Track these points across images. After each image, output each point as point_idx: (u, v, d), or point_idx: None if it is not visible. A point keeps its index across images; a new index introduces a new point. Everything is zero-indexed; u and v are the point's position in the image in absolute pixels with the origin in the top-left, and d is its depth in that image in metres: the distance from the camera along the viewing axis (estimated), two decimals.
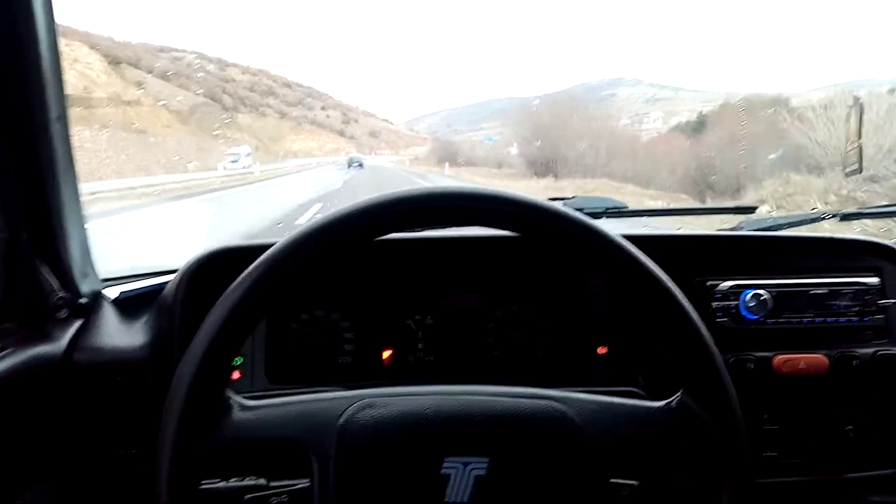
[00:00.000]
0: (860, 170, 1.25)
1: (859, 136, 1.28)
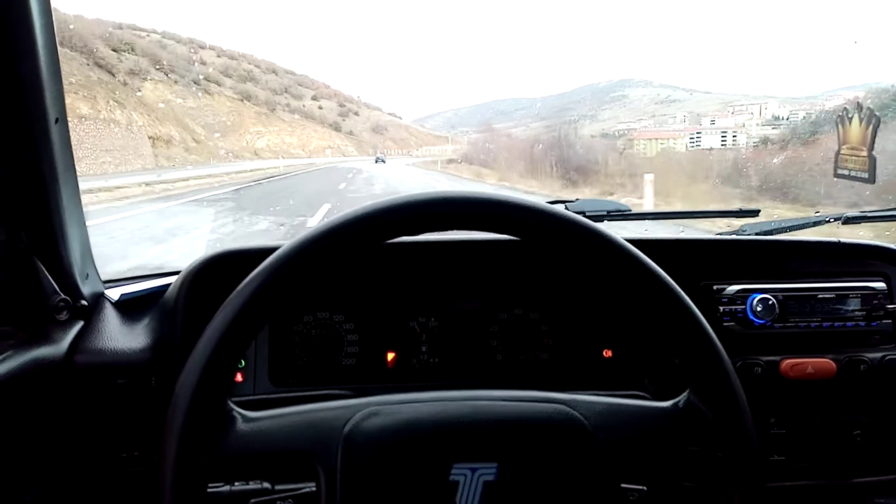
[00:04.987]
0: (872, 180, 1.30)
1: (872, 147, 1.32)
